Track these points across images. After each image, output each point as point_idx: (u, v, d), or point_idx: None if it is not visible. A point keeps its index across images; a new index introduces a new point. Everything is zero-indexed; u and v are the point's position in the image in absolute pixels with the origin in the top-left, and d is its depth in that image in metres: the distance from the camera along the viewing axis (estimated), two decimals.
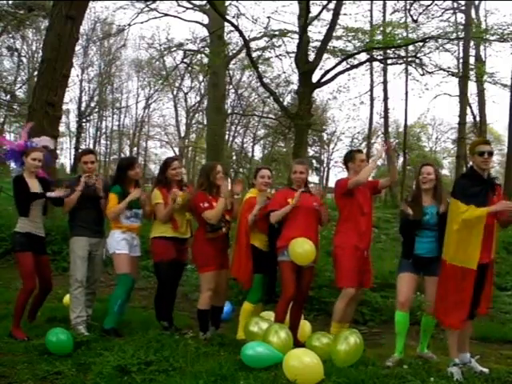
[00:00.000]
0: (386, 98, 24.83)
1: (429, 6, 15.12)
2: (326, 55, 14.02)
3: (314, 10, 13.92)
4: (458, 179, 4.34)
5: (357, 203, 4.74)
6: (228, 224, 4.93)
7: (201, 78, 28.98)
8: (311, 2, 12.81)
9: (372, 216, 5.02)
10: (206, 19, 19.56)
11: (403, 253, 4.61)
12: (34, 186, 4.77)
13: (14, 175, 5.02)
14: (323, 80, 13.35)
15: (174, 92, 35.06)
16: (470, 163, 4.30)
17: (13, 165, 5.25)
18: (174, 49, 21.57)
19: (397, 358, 4.41)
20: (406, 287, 4.49)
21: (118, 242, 4.90)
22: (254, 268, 4.84)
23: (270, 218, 4.73)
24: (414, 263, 4.47)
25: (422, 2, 15.15)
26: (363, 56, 14.81)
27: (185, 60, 21.85)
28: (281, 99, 19.08)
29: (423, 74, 15.29)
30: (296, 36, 14.40)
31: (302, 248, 4.52)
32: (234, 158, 33.04)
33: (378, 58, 16.06)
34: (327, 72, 13.24)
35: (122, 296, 4.88)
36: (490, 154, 4.06)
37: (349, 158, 4.98)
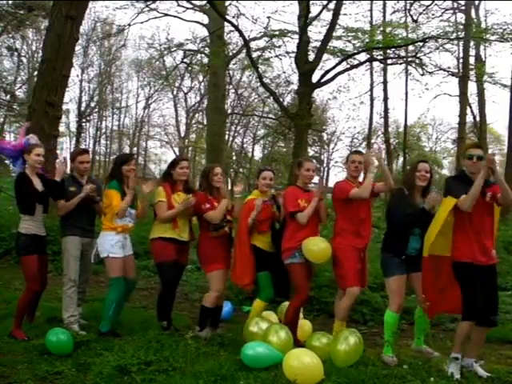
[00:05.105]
0: (385, 98, 24.75)
1: (429, 6, 15.11)
2: (325, 55, 14.01)
3: (314, 10, 13.94)
4: (449, 179, 4.31)
5: (354, 208, 4.72)
6: (230, 224, 4.96)
7: (201, 78, 28.99)
8: (311, 2, 12.81)
9: (371, 218, 4.99)
10: (206, 19, 19.54)
11: (394, 251, 4.46)
12: (37, 184, 4.71)
13: (16, 172, 4.93)
14: (323, 80, 13.36)
15: (174, 92, 35.09)
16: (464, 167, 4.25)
17: (12, 165, 5.19)
18: (174, 49, 21.57)
19: (395, 358, 4.40)
20: (402, 290, 4.47)
21: (113, 246, 4.77)
22: (258, 267, 4.84)
23: (297, 219, 4.62)
24: (404, 262, 4.43)
25: (422, 2, 15.14)
26: (363, 56, 14.82)
27: (185, 60, 21.86)
28: (281, 99, 19.09)
29: (423, 74, 15.29)
30: (296, 36, 14.40)
31: (317, 246, 4.56)
32: (234, 157, 33.04)
33: (378, 58, 16.05)
34: (327, 72, 13.25)
35: (116, 299, 4.82)
36: (479, 158, 4.03)
37: (345, 160, 5.01)
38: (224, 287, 4.95)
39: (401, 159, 25.95)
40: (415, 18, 14.58)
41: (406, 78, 20.80)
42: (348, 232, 4.70)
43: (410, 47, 14.49)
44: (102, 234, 4.86)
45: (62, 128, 26.79)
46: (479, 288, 3.95)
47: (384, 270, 4.58)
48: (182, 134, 36.34)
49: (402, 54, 15.19)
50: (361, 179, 5.01)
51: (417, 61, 14.69)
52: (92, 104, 34.05)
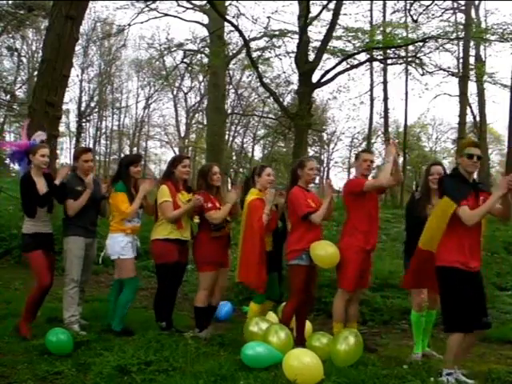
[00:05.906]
0: (385, 98, 24.85)
1: (429, 6, 15.12)
2: (325, 55, 14.04)
3: (314, 10, 13.95)
4: (445, 179, 4.01)
5: (366, 205, 4.69)
6: (228, 224, 4.96)
7: (201, 78, 28.99)
8: (311, 2, 12.82)
9: (378, 217, 4.96)
10: (206, 19, 19.56)
11: (409, 254, 4.45)
12: (42, 186, 4.68)
13: (21, 174, 4.89)
14: (323, 80, 13.38)
15: (174, 92, 35.08)
16: (455, 165, 4.08)
17: (17, 166, 5.16)
18: (174, 49, 21.58)
19: (420, 355, 4.53)
20: (422, 289, 4.49)
21: (123, 247, 4.78)
22: None
23: (312, 219, 4.54)
24: None
25: (422, 2, 15.14)
26: (363, 56, 14.85)
27: (185, 60, 21.86)
28: (281, 99, 19.10)
29: (423, 74, 15.33)
30: (296, 36, 14.42)
31: (324, 250, 4.53)
32: (234, 157, 33.06)
33: (378, 58, 16.08)
34: (327, 72, 13.26)
35: (132, 299, 4.90)
36: (479, 158, 3.84)
37: (356, 158, 5.00)
38: (214, 287, 4.92)
39: (401, 159, 25.89)
40: (415, 18, 14.58)
41: (406, 77, 20.89)
42: (359, 231, 4.66)
43: (410, 47, 14.52)
44: (111, 236, 4.85)
45: (62, 128, 26.83)
46: (468, 295, 3.71)
47: (404, 270, 4.68)
48: (182, 134, 36.34)
49: (402, 54, 15.21)
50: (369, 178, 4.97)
51: (417, 61, 14.73)
52: (92, 104, 34.04)
